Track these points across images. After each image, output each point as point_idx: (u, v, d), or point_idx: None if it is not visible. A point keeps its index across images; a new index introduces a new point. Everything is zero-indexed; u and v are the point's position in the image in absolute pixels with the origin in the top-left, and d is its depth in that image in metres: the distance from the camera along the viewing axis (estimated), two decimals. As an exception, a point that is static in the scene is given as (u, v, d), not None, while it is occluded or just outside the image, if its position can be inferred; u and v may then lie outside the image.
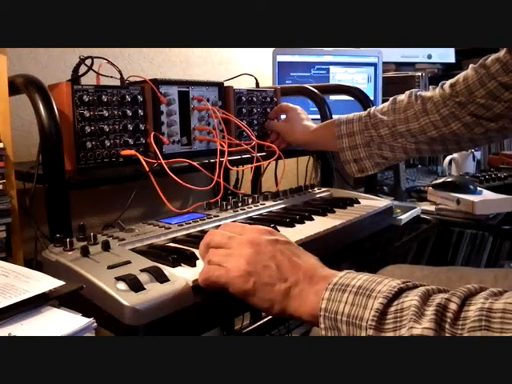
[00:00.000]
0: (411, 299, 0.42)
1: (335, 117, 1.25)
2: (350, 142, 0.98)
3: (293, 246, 0.56)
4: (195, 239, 0.72)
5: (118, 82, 0.89)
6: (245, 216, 0.84)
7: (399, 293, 0.44)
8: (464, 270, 0.92)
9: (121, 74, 0.89)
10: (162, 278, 0.53)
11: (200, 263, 0.61)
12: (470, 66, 0.90)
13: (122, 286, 0.51)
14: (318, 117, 1.24)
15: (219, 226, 0.78)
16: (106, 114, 0.84)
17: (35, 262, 0.69)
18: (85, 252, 0.60)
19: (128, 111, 0.87)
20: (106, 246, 0.62)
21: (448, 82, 0.93)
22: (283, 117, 1.16)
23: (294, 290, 0.51)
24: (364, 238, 0.82)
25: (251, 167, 1.00)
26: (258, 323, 0.69)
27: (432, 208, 1.37)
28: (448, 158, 1.63)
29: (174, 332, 0.52)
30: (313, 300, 0.49)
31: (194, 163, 0.88)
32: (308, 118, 1.11)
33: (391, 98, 0.99)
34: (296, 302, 0.51)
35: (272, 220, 0.81)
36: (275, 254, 0.53)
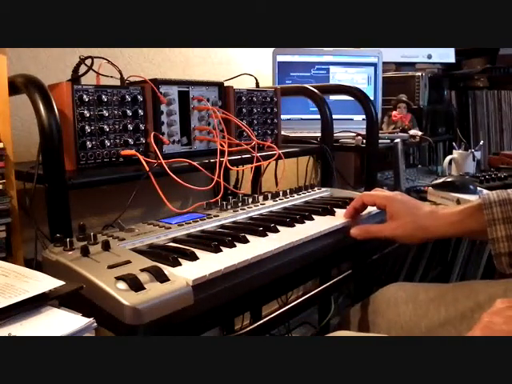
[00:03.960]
0: None
1: (335, 117, 1.26)
2: (507, 229, 0.73)
3: None
4: (195, 239, 0.72)
5: (118, 82, 0.89)
6: (245, 216, 0.84)
7: None
8: (471, 284, 0.85)
9: (121, 74, 0.89)
10: (162, 278, 0.53)
11: (200, 262, 0.61)
12: None
13: (122, 285, 0.51)
14: (318, 117, 1.24)
15: (219, 225, 0.79)
16: (106, 114, 0.84)
17: (35, 262, 0.69)
18: (85, 252, 0.60)
19: (128, 111, 0.87)
20: (106, 246, 0.62)
21: None
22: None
23: None
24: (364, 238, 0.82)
25: (251, 167, 1.00)
26: (258, 323, 0.69)
27: (432, 208, 1.37)
28: (448, 157, 1.63)
29: (174, 332, 0.52)
30: None
31: (194, 163, 0.89)
32: (416, 201, 0.83)
33: None
34: None
35: (272, 220, 0.81)
36: None
